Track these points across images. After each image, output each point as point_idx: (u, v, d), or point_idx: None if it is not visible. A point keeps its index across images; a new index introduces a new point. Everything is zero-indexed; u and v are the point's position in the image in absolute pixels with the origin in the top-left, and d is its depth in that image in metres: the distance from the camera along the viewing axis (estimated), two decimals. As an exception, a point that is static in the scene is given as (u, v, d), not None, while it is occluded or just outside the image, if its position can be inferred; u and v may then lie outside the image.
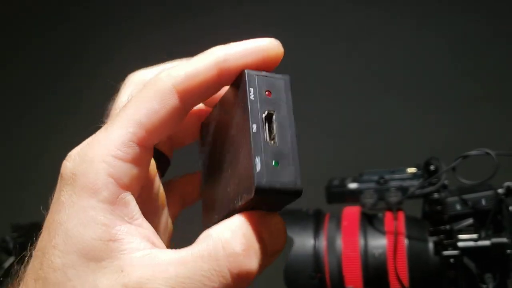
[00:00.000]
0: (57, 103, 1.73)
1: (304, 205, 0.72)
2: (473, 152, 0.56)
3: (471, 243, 0.56)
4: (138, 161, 0.25)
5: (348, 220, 0.64)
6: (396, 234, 0.60)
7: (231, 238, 0.24)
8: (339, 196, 0.68)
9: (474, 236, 0.57)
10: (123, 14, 1.80)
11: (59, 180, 0.25)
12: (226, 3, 1.76)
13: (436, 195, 0.60)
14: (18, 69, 1.81)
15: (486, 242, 0.55)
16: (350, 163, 1.58)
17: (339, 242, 0.62)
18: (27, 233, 0.81)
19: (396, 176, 0.67)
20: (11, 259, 0.76)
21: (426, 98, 1.67)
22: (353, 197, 0.66)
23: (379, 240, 0.61)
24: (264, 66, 0.26)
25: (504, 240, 0.55)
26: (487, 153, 0.54)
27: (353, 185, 0.67)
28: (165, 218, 0.32)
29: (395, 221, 0.61)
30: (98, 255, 0.23)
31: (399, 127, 1.65)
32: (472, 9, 1.70)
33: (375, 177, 0.67)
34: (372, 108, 1.67)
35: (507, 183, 0.57)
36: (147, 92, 0.25)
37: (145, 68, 0.32)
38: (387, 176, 0.67)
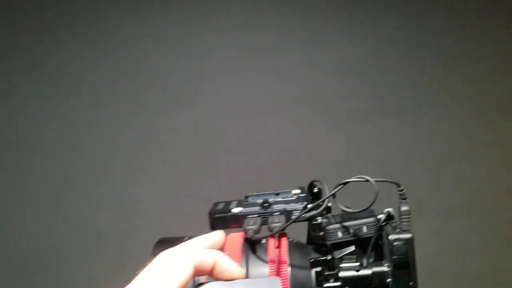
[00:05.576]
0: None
1: (192, 232, 0.67)
2: (352, 179, 0.54)
3: (352, 273, 0.54)
4: None
5: (230, 248, 0.60)
6: (278, 262, 0.57)
7: None
8: (222, 221, 0.64)
9: (356, 264, 0.55)
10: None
11: None
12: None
13: (318, 220, 0.58)
14: None
15: (367, 271, 0.54)
16: (242, 184, 1.58)
17: (219, 273, 0.58)
18: None
19: (280, 199, 0.64)
20: None
21: (316, 118, 1.69)
22: (237, 222, 0.63)
23: (261, 269, 0.58)
24: None
25: (384, 268, 0.53)
26: (367, 180, 0.53)
27: (236, 210, 0.64)
28: None
29: (276, 249, 0.58)
30: None
31: (290, 147, 1.66)
32: (359, 33, 1.75)
33: (260, 201, 0.64)
34: (264, 127, 1.68)
35: (387, 209, 0.56)
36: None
37: (171, 250, 0.48)
38: (271, 199, 0.64)
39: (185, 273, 0.44)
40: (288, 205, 0.63)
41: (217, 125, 1.67)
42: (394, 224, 0.55)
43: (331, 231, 0.56)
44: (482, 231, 1.69)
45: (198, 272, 0.46)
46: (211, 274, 0.47)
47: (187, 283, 0.44)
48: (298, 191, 0.65)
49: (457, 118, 1.74)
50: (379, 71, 1.70)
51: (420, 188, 1.68)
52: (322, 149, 1.66)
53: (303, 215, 0.60)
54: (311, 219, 0.60)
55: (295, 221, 0.60)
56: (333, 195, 0.56)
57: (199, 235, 0.66)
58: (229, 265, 0.48)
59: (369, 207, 0.54)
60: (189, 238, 0.65)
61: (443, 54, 1.75)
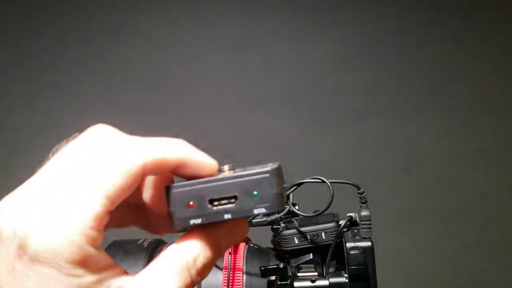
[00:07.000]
0: None
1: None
2: (307, 180, 0.49)
3: (307, 284, 0.49)
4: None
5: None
6: (229, 269, 0.52)
7: None
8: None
9: (314, 274, 0.50)
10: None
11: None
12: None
13: (276, 225, 0.53)
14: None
15: (324, 282, 0.48)
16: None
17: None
18: None
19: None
20: None
21: (309, 116, 1.63)
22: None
23: (213, 276, 0.53)
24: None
25: (342, 280, 0.48)
26: (322, 181, 0.47)
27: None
28: None
29: (230, 255, 0.53)
30: None
31: (282, 146, 1.61)
32: (353, 28, 1.69)
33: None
34: (254, 126, 1.63)
35: (349, 214, 0.50)
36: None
37: (109, 129, 0.31)
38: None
39: (127, 171, 0.28)
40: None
41: (208, 123, 1.62)
42: (356, 231, 0.49)
43: (287, 237, 0.51)
44: (482, 237, 1.58)
45: (152, 171, 0.30)
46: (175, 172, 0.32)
47: (128, 186, 0.28)
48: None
49: (453, 120, 1.64)
50: (374, 68, 1.63)
51: (416, 191, 1.59)
52: (314, 148, 1.59)
53: (264, 218, 0.55)
54: (272, 223, 0.55)
55: (258, 224, 0.55)
56: (287, 197, 0.50)
57: (157, 238, 0.62)
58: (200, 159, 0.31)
59: (324, 211, 0.48)
60: (144, 241, 0.60)
61: (443, 52, 1.66)
